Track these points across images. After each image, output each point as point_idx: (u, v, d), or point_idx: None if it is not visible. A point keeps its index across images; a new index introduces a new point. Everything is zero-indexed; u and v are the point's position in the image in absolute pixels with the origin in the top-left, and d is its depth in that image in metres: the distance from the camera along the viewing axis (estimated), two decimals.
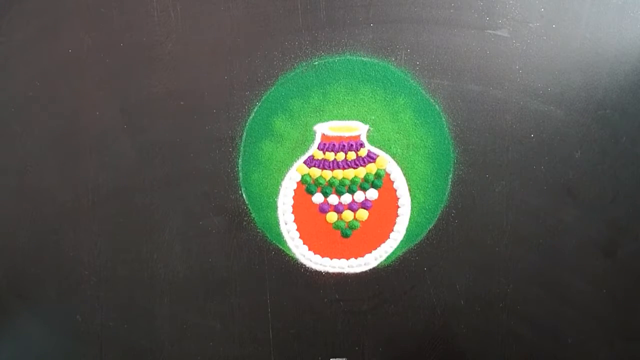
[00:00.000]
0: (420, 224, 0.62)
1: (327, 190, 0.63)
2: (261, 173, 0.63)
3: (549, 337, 0.63)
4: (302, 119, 0.62)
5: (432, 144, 0.61)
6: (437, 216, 0.62)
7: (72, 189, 0.64)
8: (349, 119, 0.61)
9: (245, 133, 0.62)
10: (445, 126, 0.61)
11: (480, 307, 0.63)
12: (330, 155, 0.62)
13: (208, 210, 0.64)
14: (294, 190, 0.63)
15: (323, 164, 0.62)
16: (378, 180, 0.62)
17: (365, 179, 0.62)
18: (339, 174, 0.62)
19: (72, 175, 0.64)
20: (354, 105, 0.61)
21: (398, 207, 0.62)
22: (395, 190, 0.62)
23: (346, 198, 0.63)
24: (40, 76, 0.63)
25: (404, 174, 0.62)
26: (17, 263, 0.66)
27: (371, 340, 0.65)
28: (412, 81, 0.60)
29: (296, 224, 0.64)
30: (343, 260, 0.64)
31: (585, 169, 0.61)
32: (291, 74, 0.61)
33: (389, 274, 0.63)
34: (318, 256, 0.64)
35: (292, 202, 0.63)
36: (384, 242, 0.63)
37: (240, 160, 0.63)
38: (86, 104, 0.63)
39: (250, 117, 0.62)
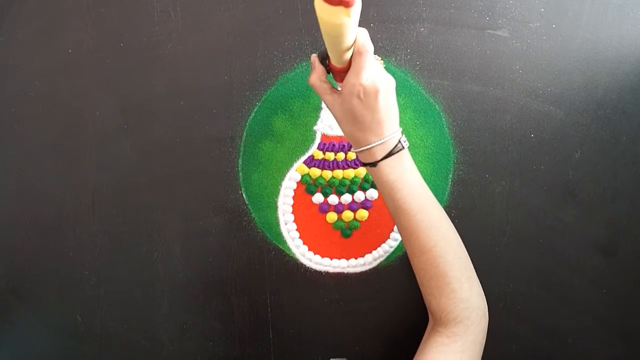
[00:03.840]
0: None
1: (327, 190, 0.63)
2: (261, 173, 0.63)
3: (549, 337, 0.63)
4: (302, 119, 0.62)
5: (432, 144, 0.61)
6: None
7: (72, 189, 0.64)
8: None
9: (245, 133, 0.62)
10: (445, 126, 0.61)
11: None
12: (330, 155, 0.62)
13: (208, 210, 0.64)
14: (294, 190, 0.63)
15: (323, 164, 0.62)
16: None
17: (365, 179, 0.62)
18: (339, 174, 0.62)
19: (72, 175, 0.64)
20: None
21: None
22: None
23: (346, 198, 0.63)
24: (40, 76, 0.63)
25: None
26: (17, 263, 0.66)
27: (371, 340, 0.65)
28: (412, 81, 0.60)
29: (296, 224, 0.63)
30: (343, 260, 0.64)
31: (585, 169, 0.61)
32: (291, 74, 0.61)
33: (389, 274, 0.63)
34: (318, 256, 0.64)
35: (292, 202, 0.63)
36: (384, 242, 0.63)
37: (240, 160, 0.63)
38: (86, 104, 0.63)
39: (250, 117, 0.62)
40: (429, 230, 0.51)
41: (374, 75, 0.48)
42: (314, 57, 0.52)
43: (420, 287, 0.53)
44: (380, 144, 0.50)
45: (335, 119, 0.52)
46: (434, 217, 0.52)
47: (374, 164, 0.51)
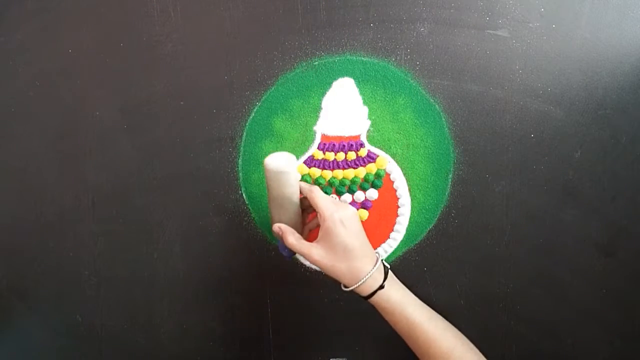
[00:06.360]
0: (420, 224, 0.62)
1: (327, 190, 0.63)
2: (261, 173, 0.63)
3: (549, 337, 0.63)
4: (302, 119, 0.62)
5: (432, 144, 0.61)
6: (437, 216, 0.62)
7: (72, 189, 0.64)
8: None
9: (245, 133, 0.62)
10: (445, 126, 0.61)
11: (480, 307, 0.63)
12: (330, 155, 0.62)
13: (208, 210, 0.64)
14: None
15: (323, 164, 0.62)
16: (378, 180, 0.62)
17: (365, 179, 0.62)
18: (339, 174, 0.62)
19: (72, 175, 0.64)
20: None
21: (398, 207, 0.62)
22: (395, 190, 0.62)
23: (346, 198, 0.63)
24: (40, 76, 0.63)
25: (404, 174, 0.62)
26: (17, 263, 0.66)
27: (371, 340, 0.65)
28: (412, 81, 0.60)
29: None
30: None
31: (585, 169, 0.61)
32: (291, 74, 0.61)
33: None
34: None
35: None
36: (384, 242, 0.63)
37: (240, 160, 0.63)
38: (86, 104, 0.63)
39: (250, 117, 0.62)
40: (446, 333, 0.53)
41: (338, 203, 0.51)
42: (276, 227, 0.54)
43: None
44: (377, 267, 0.52)
45: (327, 266, 0.51)
46: (442, 321, 0.55)
47: (376, 289, 0.52)
